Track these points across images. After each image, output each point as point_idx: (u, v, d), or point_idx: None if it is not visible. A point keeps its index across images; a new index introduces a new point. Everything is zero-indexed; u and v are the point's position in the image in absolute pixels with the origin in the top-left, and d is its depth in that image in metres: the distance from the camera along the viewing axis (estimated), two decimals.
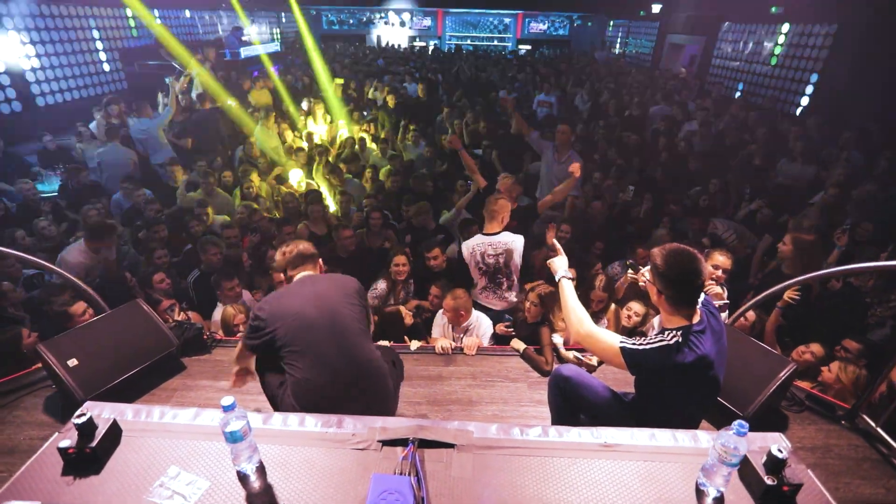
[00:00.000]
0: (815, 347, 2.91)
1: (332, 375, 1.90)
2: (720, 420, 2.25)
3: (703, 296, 1.80)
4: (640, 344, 1.69)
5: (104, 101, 6.45)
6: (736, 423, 1.25)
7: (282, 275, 2.32)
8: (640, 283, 1.87)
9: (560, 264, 2.10)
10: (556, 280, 2.07)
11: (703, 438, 1.54)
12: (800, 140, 5.23)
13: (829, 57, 7.40)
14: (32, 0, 6.93)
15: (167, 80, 6.55)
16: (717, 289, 2.94)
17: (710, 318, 1.75)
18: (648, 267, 1.78)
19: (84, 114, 6.77)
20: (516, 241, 3.38)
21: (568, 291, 1.97)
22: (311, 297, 1.99)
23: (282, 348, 1.91)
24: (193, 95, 7.40)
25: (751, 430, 1.52)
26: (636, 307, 3.16)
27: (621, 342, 1.71)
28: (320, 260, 2.31)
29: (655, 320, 2.82)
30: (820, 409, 2.58)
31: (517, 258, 3.41)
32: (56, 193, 5.39)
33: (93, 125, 6.13)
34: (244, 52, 10.95)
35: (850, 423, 2.45)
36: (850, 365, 2.66)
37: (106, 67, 8.52)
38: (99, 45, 8.33)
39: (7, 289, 3.34)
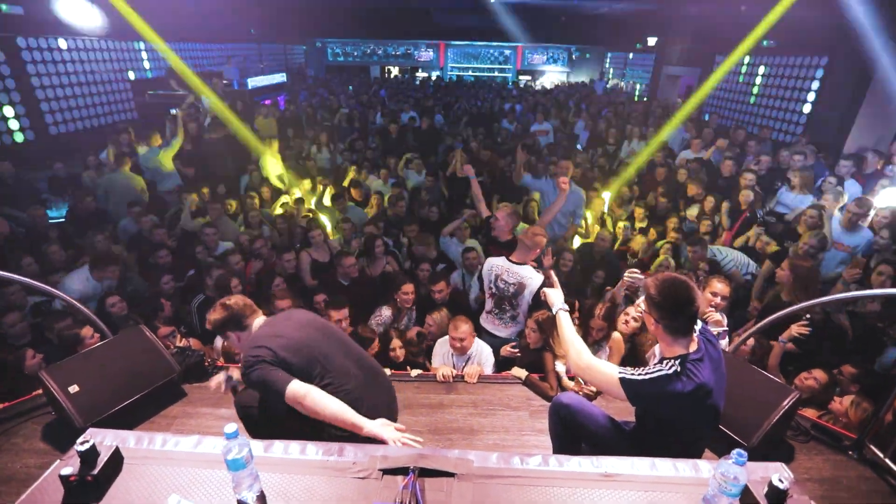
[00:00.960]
0: (818, 374, 2.89)
1: (354, 377, 2.02)
2: (723, 450, 2.22)
3: (700, 324, 1.82)
4: (639, 374, 1.70)
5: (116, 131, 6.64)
6: (735, 451, 1.25)
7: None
8: (636, 314, 1.90)
9: (556, 297, 2.13)
10: (553, 313, 2.09)
11: (704, 468, 1.53)
12: (799, 169, 5.32)
13: (822, 88, 7.60)
14: (51, 35, 7.22)
15: (172, 111, 6.74)
16: (717, 316, 2.95)
17: (707, 345, 1.77)
18: (643, 297, 1.81)
19: (95, 142, 6.94)
20: (533, 279, 3.38)
21: (565, 324, 2.00)
22: (303, 324, 2.10)
23: (304, 376, 1.91)
24: (206, 123, 7.60)
25: (756, 459, 1.52)
26: (633, 312, 3.16)
27: (620, 373, 1.72)
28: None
29: (656, 348, 2.81)
30: (826, 440, 2.55)
31: (528, 295, 3.42)
32: (64, 219, 5.48)
33: (103, 154, 6.28)
34: (251, 83, 11.29)
35: (857, 453, 2.42)
36: (863, 402, 2.63)
37: (117, 98, 8.78)
38: (111, 76, 8.61)
39: (14, 321, 3.36)
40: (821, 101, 7.65)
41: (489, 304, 3.59)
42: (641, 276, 2.80)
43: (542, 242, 3.43)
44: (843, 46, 7.11)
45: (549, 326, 3.15)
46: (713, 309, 3.01)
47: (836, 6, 6.75)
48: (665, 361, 1.70)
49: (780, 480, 1.35)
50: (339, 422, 1.81)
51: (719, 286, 3.06)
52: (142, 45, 9.41)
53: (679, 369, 1.65)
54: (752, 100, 8.77)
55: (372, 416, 1.87)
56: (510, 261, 3.45)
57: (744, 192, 4.96)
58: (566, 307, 2.07)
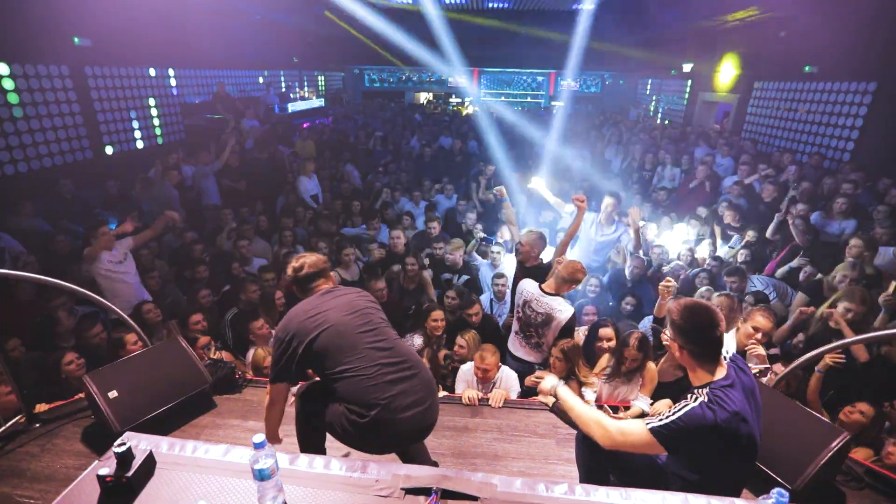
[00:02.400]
0: (864, 407, 2.71)
1: (381, 360, 1.94)
2: (763, 491, 2.10)
3: (731, 351, 1.77)
4: (667, 417, 1.63)
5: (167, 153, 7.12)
6: (775, 491, 1.18)
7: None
8: (664, 342, 1.86)
9: (548, 383, 2.04)
10: (554, 400, 2.06)
11: None
12: (845, 196, 5.08)
13: (869, 114, 7.31)
14: (112, 64, 7.84)
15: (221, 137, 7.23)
16: (760, 350, 2.81)
17: (739, 373, 1.71)
18: (668, 325, 1.77)
19: (147, 161, 7.40)
20: (563, 312, 3.32)
21: (571, 401, 1.88)
22: (343, 305, 2.06)
23: (322, 359, 1.94)
24: (248, 145, 8.02)
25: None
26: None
27: (647, 425, 1.64)
28: (332, 273, 2.32)
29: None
30: (883, 488, 2.35)
31: (555, 327, 3.35)
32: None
33: (152, 173, 6.68)
34: (291, 108, 11.83)
35: None
36: None
37: (168, 120, 9.38)
38: (163, 100, 9.24)
39: (62, 318, 3.56)
40: (868, 127, 7.34)
41: (516, 325, 3.56)
42: (676, 284, 2.79)
43: (580, 279, 3.37)
44: (892, 72, 6.85)
45: (573, 355, 3.08)
46: (755, 343, 2.87)
47: (884, 30, 6.55)
48: (691, 394, 1.64)
49: None
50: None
51: (762, 321, 2.91)
52: (182, 73, 10.10)
53: (707, 399, 1.59)
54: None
55: (395, 406, 1.87)
56: (542, 290, 3.40)
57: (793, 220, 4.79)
58: (561, 382, 2.00)
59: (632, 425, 1.70)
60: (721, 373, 1.69)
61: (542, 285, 3.42)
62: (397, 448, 2.12)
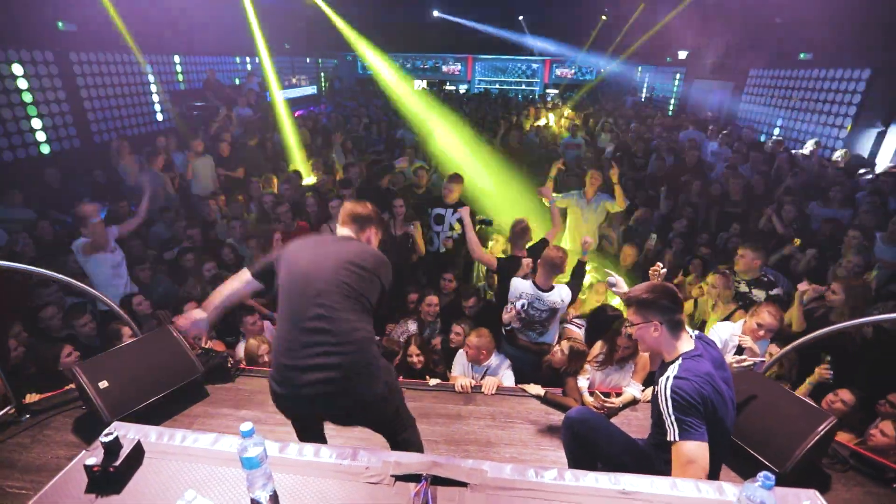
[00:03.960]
0: (845, 395, 2.74)
1: (297, 329, 1.84)
2: (751, 473, 2.12)
3: (695, 331, 1.88)
4: (672, 422, 1.64)
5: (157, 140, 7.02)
6: (761, 474, 1.19)
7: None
8: (629, 334, 1.96)
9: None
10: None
11: (729, 490, 1.46)
12: (839, 185, 5.11)
13: (862, 101, 7.31)
14: (99, 50, 7.68)
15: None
16: (750, 342, 2.81)
17: (706, 347, 1.82)
18: (629, 321, 1.88)
19: (135, 150, 7.29)
20: (565, 301, 3.41)
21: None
22: (320, 254, 1.97)
23: (278, 291, 1.96)
24: (237, 133, 7.90)
25: (788, 486, 1.44)
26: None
27: (684, 441, 1.60)
28: (373, 227, 2.19)
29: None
30: (867, 470, 2.40)
31: (561, 312, 3.46)
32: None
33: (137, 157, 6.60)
34: (283, 95, 11.65)
35: None
36: None
37: (157, 108, 9.23)
38: (151, 87, 9.08)
39: (50, 314, 3.53)
40: (862, 115, 7.34)
41: (515, 322, 3.51)
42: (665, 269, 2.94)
43: (562, 264, 3.36)
44: (888, 58, 6.83)
45: (578, 359, 3.09)
46: (752, 337, 2.87)
47: (878, 16, 6.52)
48: (667, 371, 1.73)
49: None
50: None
51: (767, 318, 2.86)
52: (176, 59, 9.89)
53: (676, 372, 1.70)
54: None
55: (293, 379, 1.81)
56: (539, 288, 3.39)
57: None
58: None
59: (695, 461, 1.59)
60: (689, 345, 1.80)
61: (536, 280, 3.42)
62: (299, 420, 2.09)
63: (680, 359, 1.74)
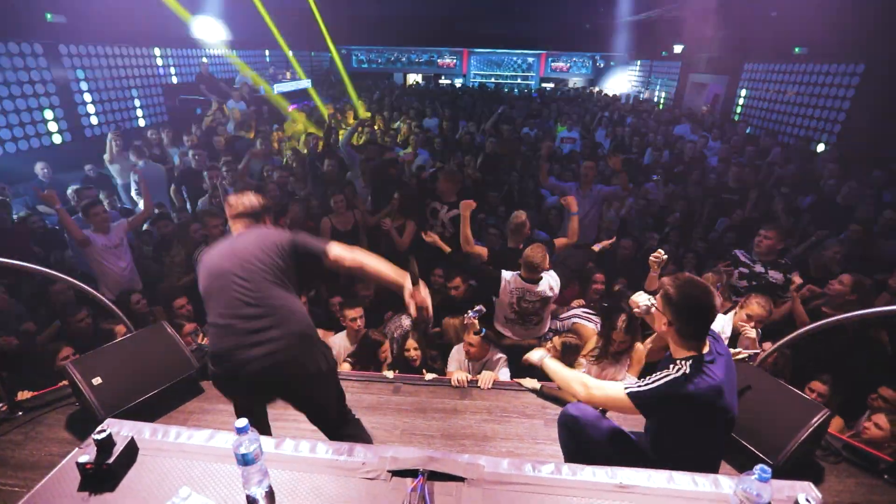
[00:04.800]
0: (818, 386, 2.78)
1: (231, 322, 1.87)
2: (746, 466, 2.14)
3: (725, 331, 1.78)
4: (647, 383, 1.66)
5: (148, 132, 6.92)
6: (758, 467, 1.19)
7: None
8: (637, 311, 1.90)
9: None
10: (541, 385, 2.26)
11: (725, 483, 1.47)
12: (832, 179, 5.14)
13: (856, 96, 7.33)
14: (90, 42, 7.57)
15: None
16: (753, 334, 2.82)
17: (715, 344, 1.74)
18: (657, 296, 1.76)
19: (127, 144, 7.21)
20: (554, 287, 3.43)
21: (553, 367, 1.99)
22: (227, 253, 2.00)
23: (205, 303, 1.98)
24: (230, 128, 7.83)
25: (782, 478, 1.45)
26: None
27: (626, 388, 1.69)
28: (268, 217, 2.25)
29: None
30: (860, 462, 2.42)
31: (551, 302, 3.47)
32: None
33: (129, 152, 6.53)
34: (277, 89, 11.56)
35: (894, 478, 2.29)
36: None
37: (149, 102, 9.13)
38: (144, 81, 8.98)
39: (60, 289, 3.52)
40: (855, 110, 7.37)
41: (511, 315, 3.52)
42: (665, 256, 2.91)
43: (540, 260, 3.32)
44: (881, 53, 6.85)
45: (571, 354, 3.11)
46: (749, 326, 2.88)
47: (873, 10, 6.53)
48: (673, 365, 1.65)
49: (808, 500, 1.28)
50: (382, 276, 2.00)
51: (756, 308, 2.89)
52: (168, 52, 9.80)
53: (689, 371, 1.61)
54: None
55: (237, 358, 1.85)
56: (527, 280, 3.39)
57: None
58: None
59: (609, 387, 1.80)
60: (705, 348, 1.70)
61: (523, 275, 3.41)
62: (249, 398, 2.11)
63: (692, 360, 1.64)
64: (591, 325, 3.73)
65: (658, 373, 1.67)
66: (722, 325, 3.06)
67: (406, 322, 3.75)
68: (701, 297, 1.64)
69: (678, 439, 1.72)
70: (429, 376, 3.15)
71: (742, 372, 2.51)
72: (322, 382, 2.00)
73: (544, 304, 3.44)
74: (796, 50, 8.57)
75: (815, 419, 2.20)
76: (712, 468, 1.71)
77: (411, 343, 3.32)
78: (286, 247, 2.01)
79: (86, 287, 2.91)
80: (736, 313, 3.07)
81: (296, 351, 1.88)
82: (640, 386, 1.66)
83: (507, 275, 3.47)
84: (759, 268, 3.72)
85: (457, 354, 3.37)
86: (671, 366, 1.66)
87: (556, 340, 3.14)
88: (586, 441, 1.98)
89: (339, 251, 1.97)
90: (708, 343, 1.71)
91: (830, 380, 2.82)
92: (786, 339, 2.69)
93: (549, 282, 3.41)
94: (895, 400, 2.68)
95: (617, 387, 1.75)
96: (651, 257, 3.02)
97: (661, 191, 6.03)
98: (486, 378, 3.09)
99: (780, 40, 8.84)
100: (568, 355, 3.08)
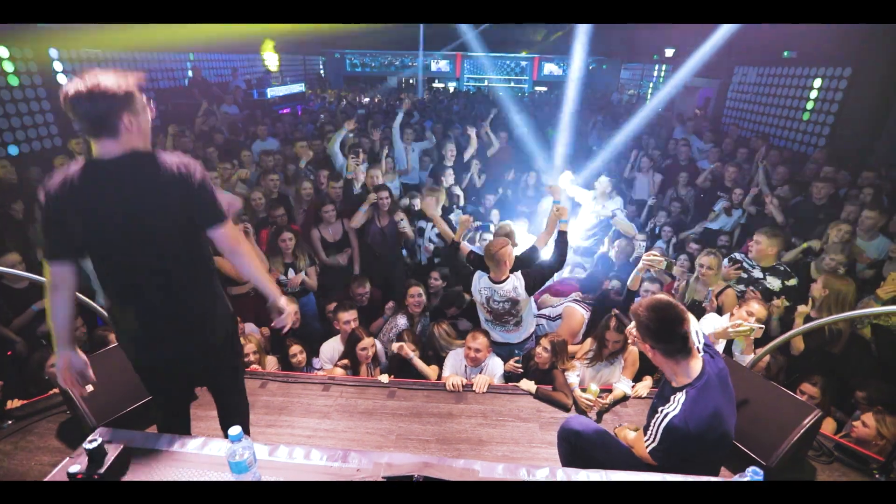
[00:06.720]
0: (808, 388, 2.81)
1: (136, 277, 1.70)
2: (739, 467, 2.15)
3: (703, 339, 1.80)
4: (652, 439, 1.74)
5: None
6: (750, 469, 1.21)
7: None
8: (630, 341, 1.91)
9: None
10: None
11: None
12: (823, 181, 5.18)
13: (844, 100, 7.43)
14: (80, 47, 7.54)
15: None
16: (745, 326, 2.83)
17: (710, 362, 1.75)
18: (633, 324, 1.81)
19: None
20: (518, 288, 3.33)
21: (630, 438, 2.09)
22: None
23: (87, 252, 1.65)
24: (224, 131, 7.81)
25: (775, 479, 1.46)
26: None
27: (647, 448, 1.78)
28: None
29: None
30: (851, 461, 2.45)
31: (523, 303, 3.40)
32: None
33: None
34: (270, 93, 11.53)
35: (885, 476, 2.31)
36: (887, 416, 2.53)
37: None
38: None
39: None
40: (844, 113, 7.47)
41: (489, 316, 3.53)
42: (661, 258, 2.91)
43: (509, 252, 3.31)
44: (868, 57, 6.95)
45: (561, 350, 3.12)
46: (744, 322, 2.90)
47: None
48: (671, 401, 1.70)
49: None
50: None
51: (756, 307, 2.93)
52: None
53: (683, 405, 1.66)
54: (805, 116, 8.38)
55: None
56: (493, 281, 3.39)
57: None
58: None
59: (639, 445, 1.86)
60: (697, 367, 1.72)
61: (490, 276, 3.41)
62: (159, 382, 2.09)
63: (685, 390, 1.68)
64: (579, 309, 3.73)
65: (656, 415, 1.73)
66: (717, 326, 3.08)
67: (402, 322, 3.76)
68: (669, 312, 1.69)
69: (684, 459, 1.75)
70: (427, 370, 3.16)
71: (734, 374, 2.53)
72: (227, 353, 2.05)
73: (514, 305, 3.39)
74: (785, 54, 8.68)
75: (807, 420, 2.23)
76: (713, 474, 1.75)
77: (408, 344, 3.32)
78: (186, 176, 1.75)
79: (79, 294, 2.87)
80: (732, 314, 3.10)
81: (199, 324, 1.88)
82: (649, 445, 1.77)
83: (478, 274, 3.51)
84: (757, 273, 3.76)
85: (453, 361, 3.36)
86: (670, 401, 1.72)
87: (545, 342, 3.15)
88: (588, 460, 1.97)
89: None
90: (701, 360, 1.74)
91: (821, 381, 2.84)
92: (773, 343, 2.73)
93: (515, 282, 3.35)
94: (872, 400, 2.73)
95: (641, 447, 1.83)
96: (644, 256, 3.05)
97: (653, 192, 6.08)
98: (481, 382, 3.09)
99: (770, 44, 8.95)
100: (560, 353, 3.10)
